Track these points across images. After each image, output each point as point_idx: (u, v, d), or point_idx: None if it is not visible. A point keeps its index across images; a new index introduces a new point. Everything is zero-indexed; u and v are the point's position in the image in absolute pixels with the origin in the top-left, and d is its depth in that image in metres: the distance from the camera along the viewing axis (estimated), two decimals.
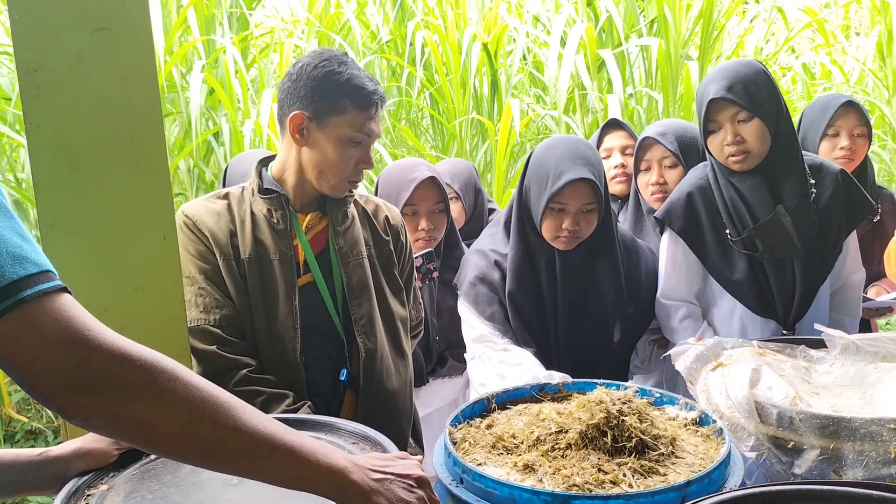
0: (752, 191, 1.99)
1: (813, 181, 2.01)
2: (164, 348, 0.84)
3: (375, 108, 1.64)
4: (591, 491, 1.12)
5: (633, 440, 1.22)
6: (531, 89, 5.18)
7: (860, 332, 1.98)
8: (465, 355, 2.06)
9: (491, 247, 2.05)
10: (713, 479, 1.14)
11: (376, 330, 1.71)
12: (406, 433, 1.80)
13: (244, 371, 1.60)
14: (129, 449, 1.13)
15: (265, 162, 1.76)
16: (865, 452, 1.26)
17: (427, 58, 4.64)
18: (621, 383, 1.49)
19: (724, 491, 1.00)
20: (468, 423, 1.42)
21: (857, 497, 0.87)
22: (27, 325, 0.74)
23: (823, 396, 1.45)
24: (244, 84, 4.14)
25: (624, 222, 2.46)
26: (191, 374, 0.84)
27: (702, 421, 1.38)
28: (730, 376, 1.47)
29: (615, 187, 2.58)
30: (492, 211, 2.68)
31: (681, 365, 1.59)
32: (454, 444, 1.31)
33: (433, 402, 2.29)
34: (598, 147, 2.64)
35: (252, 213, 1.69)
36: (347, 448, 1.18)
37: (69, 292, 0.79)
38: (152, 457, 1.15)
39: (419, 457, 1.17)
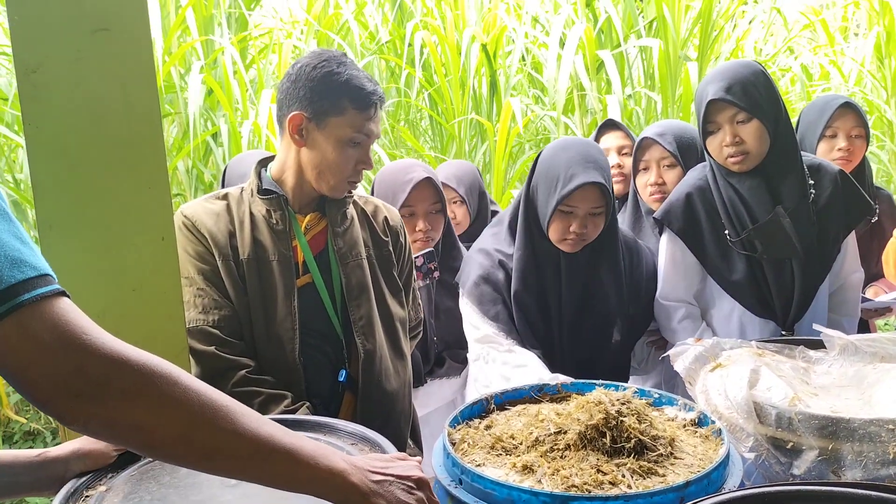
0: (751, 191, 1.99)
1: (812, 182, 2.01)
2: (163, 349, 0.84)
3: (374, 108, 1.64)
4: (589, 492, 1.11)
5: (632, 441, 1.22)
6: (530, 90, 5.17)
7: (859, 332, 1.98)
8: (469, 355, 2.05)
9: (495, 246, 2.04)
10: (712, 480, 1.14)
11: (375, 331, 1.71)
12: (405, 434, 1.80)
13: (243, 372, 1.59)
14: (128, 450, 1.13)
15: (264, 162, 1.76)
16: (864, 453, 1.26)
17: (426, 58, 4.63)
18: (620, 384, 1.49)
19: (723, 492, 1.00)
20: (467, 423, 1.42)
21: (856, 498, 0.87)
22: (25, 329, 0.73)
23: (822, 397, 1.45)
24: (243, 85, 4.14)
25: (622, 223, 2.46)
26: (189, 378, 0.84)
27: (700, 422, 1.38)
28: (728, 377, 1.47)
29: None
30: (494, 213, 2.68)
31: (679, 366, 1.59)
32: (453, 444, 1.30)
33: (431, 402, 2.28)
34: None
35: (251, 213, 1.68)
36: (346, 449, 1.18)
37: (67, 296, 0.78)
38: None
39: (418, 458, 1.17)
